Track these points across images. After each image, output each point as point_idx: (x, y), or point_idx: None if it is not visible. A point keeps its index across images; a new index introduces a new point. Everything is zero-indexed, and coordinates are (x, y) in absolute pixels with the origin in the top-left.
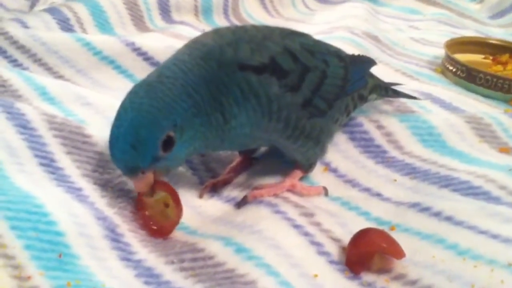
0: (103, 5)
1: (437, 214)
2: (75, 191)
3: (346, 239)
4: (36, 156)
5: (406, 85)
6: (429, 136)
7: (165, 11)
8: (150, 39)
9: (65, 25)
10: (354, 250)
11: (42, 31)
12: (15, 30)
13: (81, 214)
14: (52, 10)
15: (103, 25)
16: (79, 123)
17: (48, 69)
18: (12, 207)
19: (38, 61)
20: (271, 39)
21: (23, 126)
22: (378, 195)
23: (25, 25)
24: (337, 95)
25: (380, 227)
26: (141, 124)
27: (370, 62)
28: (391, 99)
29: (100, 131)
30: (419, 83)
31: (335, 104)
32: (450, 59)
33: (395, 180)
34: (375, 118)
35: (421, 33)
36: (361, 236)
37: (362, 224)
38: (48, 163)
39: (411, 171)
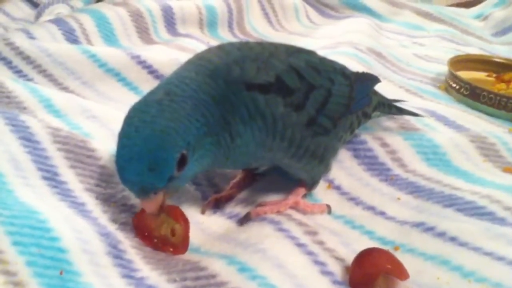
0: (108, 16)
1: (441, 235)
2: (78, 206)
3: (350, 258)
4: (40, 169)
5: (410, 102)
6: (434, 155)
7: (170, 24)
8: (155, 52)
9: (71, 36)
10: (358, 270)
11: (48, 42)
12: (21, 41)
13: (84, 230)
14: (58, 21)
15: (109, 36)
16: (84, 136)
17: (53, 80)
18: (15, 222)
19: (43, 72)
20: (276, 56)
21: (28, 139)
22: (382, 213)
23: (31, 36)
24: (342, 113)
25: (384, 247)
26: (158, 144)
27: (375, 79)
28: (394, 116)
29: (104, 144)
30: (422, 100)
31: (339, 122)
32: (453, 77)
33: (399, 199)
34: (380, 136)
35: (425, 49)
36: (365, 256)
37: (365, 243)
38: (51, 177)
39: (415, 190)
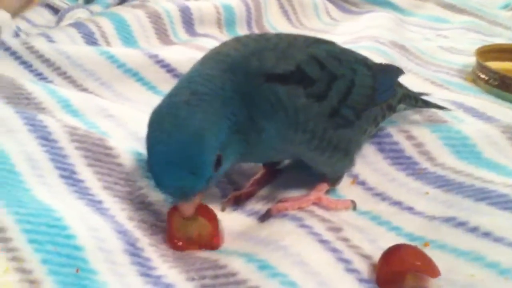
0: (127, 19)
1: (474, 230)
2: (96, 204)
3: (376, 256)
4: (57, 168)
5: (436, 94)
6: (463, 147)
7: (188, 24)
8: (173, 52)
9: (90, 39)
10: (385, 268)
11: (67, 44)
12: (40, 44)
13: (101, 228)
14: (77, 25)
15: (127, 38)
16: (101, 135)
17: (72, 82)
18: (31, 220)
19: (62, 74)
20: (295, 46)
21: (45, 138)
22: (410, 209)
23: (50, 40)
24: (366, 104)
25: (413, 243)
26: (196, 148)
27: (398, 71)
28: (420, 109)
29: (121, 143)
30: (449, 92)
31: (363, 114)
32: (481, 67)
33: (427, 193)
34: (405, 129)
35: (449, 41)
36: (393, 253)
37: (393, 240)
38: (69, 175)
39: (444, 184)
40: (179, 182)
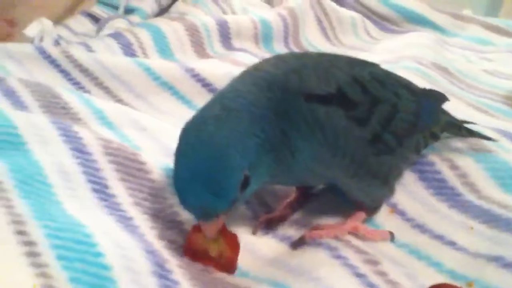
0: (165, 31)
1: None
2: (126, 221)
3: None
4: (90, 181)
5: (480, 121)
6: (510, 180)
7: (225, 38)
8: (209, 65)
9: (128, 50)
10: None
11: (104, 54)
12: (78, 53)
13: (129, 247)
14: (116, 35)
15: (164, 50)
16: (135, 149)
17: (109, 92)
18: (61, 235)
19: (99, 84)
20: (338, 67)
21: (79, 150)
22: (452, 244)
23: (89, 49)
24: (408, 131)
25: (455, 282)
26: (220, 166)
27: (443, 97)
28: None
29: (155, 158)
30: (494, 118)
31: (405, 142)
32: None
33: (472, 228)
34: (448, 157)
35: (493, 64)
36: None
37: (433, 276)
38: (101, 189)
39: (490, 219)
40: (199, 202)
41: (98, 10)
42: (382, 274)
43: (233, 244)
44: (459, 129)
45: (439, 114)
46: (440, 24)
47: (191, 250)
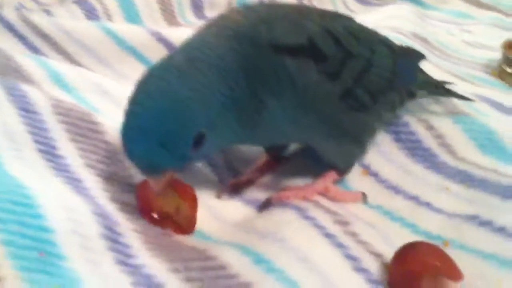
0: None
1: (500, 230)
2: (75, 182)
3: (388, 254)
4: (37, 141)
5: (459, 87)
6: (488, 142)
7: (197, 7)
8: (178, 31)
9: (92, 16)
10: (399, 268)
11: (65, 19)
12: (37, 18)
13: (78, 209)
14: (80, 1)
15: (132, 17)
16: (90, 110)
17: (69, 58)
18: None
19: (59, 49)
20: (309, 17)
21: (26, 109)
22: (427, 204)
23: (50, 14)
24: (383, 88)
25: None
26: (174, 118)
27: (419, 55)
28: (442, 99)
29: (112, 120)
30: (473, 86)
31: (380, 99)
32: (508, 61)
33: (448, 189)
34: (424, 118)
35: (474, 36)
36: (408, 252)
37: (407, 237)
38: (48, 150)
39: (466, 179)
40: (146, 153)
41: None
42: (353, 234)
43: (190, 198)
44: (437, 87)
45: (416, 73)
46: None
47: (144, 208)
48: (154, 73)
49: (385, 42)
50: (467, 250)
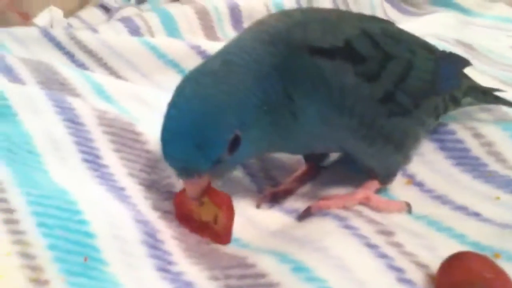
0: (174, 14)
1: None
2: (117, 191)
3: (435, 265)
4: (81, 151)
5: (508, 93)
6: None
7: (236, 22)
8: (218, 44)
9: (136, 33)
10: (446, 279)
11: (109, 35)
12: (83, 35)
13: (119, 215)
14: (124, 20)
15: (174, 34)
16: (132, 120)
17: (113, 72)
18: (43, 202)
19: (103, 65)
20: (347, 21)
21: (72, 120)
22: (476, 215)
23: (95, 31)
24: (425, 92)
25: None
26: (210, 121)
27: (464, 61)
28: (490, 106)
29: (153, 129)
30: None
31: (422, 103)
32: None
33: (498, 198)
34: (471, 126)
35: None
36: (456, 262)
37: (455, 248)
38: (92, 160)
39: None
40: (182, 155)
41: (111, 1)
42: (396, 245)
43: (226, 207)
44: (484, 94)
45: (460, 77)
46: (463, 4)
47: (181, 215)
48: (190, 76)
49: (426, 46)
50: None
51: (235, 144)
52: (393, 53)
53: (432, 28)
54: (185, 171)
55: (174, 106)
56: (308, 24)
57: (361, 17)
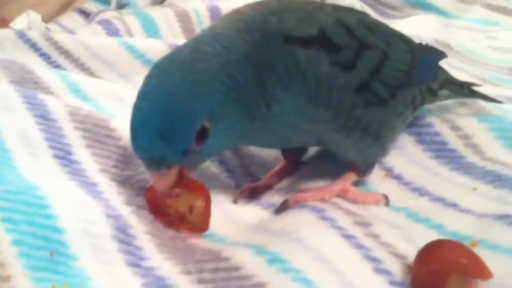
0: (154, 17)
1: None
2: (89, 186)
3: (412, 256)
4: (52, 147)
5: (485, 88)
6: None
7: (216, 20)
8: None
9: (114, 35)
10: (423, 268)
11: (86, 36)
12: (60, 36)
13: (90, 210)
14: (103, 22)
15: (153, 36)
16: (106, 117)
17: (90, 73)
18: (9, 198)
19: (80, 65)
20: (322, 10)
21: (43, 116)
22: (454, 205)
23: (72, 33)
24: (402, 82)
25: None
26: (175, 111)
27: (440, 53)
28: (467, 100)
29: (127, 125)
30: (501, 88)
31: (398, 94)
32: None
33: (476, 189)
34: (449, 118)
35: (499, 42)
36: (433, 250)
37: (433, 238)
38: (63, 156)
39: (495, 179)
40: (148, 145)
41: (91, 6)
42: (374, 236)
43: (202, 194)
44: (461, 87)
45: (436, 69)
46: (442, 7)
47: (155, 210)
48: (159, 65)
49: (402, 37)
50: (498, 249)
51: (203, 135)
52: (368, 43)
53: (412, 29)
54: (153, 163)
55: (141, 96)
56: (283, 13)
57: (337, 7)
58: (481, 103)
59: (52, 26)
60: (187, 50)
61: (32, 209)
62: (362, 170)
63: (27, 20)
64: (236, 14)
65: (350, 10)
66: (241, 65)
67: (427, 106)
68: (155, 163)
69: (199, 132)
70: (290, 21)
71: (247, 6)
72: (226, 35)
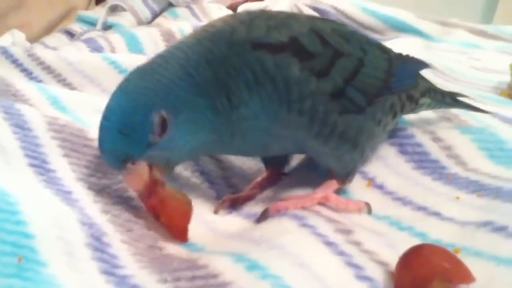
0: (139, 35)
1: None
2: (64, 194)
3: (395, 263)
4: (27, 156)
5: (469, 100)
6: (500, 152)
7: None
8: None
9: (98, 53)
10: (405, 273)
11: (68, 52)
12: (42, 52)
13: (63, 217)
14: (87, 40)
15: (138, 53)
16: (84, 127)
17: (73, 88)
18: None
19: (62, 81)
20: (296, 19)
21: (19, 126)
22: (437, 214)
23: (54, 49)
24: (379, 89)
25: None
26: (130, 105)
27: (421, 63)
28: (449, 114)
29: None
30: (484, 105)
31: (376, 101)
32: None
33: (458, 198)
34: (430, 130)
35: (482, 62)
36: (415, 255)
37: None
38: (39, 164)
39: (478, 189)
40: (110, 145)
41: (76, 27)
42: (356, 243)
43: (182, 207)
44: (443, 96)
45: (416, 77)
46: (425, 31)
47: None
48: (125, 77)
49: (379, 46)
50: (481, 256)
51: (163, 126)
52: (343, 51)
53: (396, 50)
54: (118, 161)
55: (106, 107)
56: (253, 21)
57: (312, 17)
58: (463, 117)
59: (36, 45)
60: (152, 59)
61: (2, 215)
62: (342, 177)
63: (11, 39)
64: (205, 27)
65: (326, 20)
66: (200, 66)
67: (409, 119)
68: (120, 161)
69: (158, 123)
70: (259, 29)
71: (220, 19)
72: (188, 43)
